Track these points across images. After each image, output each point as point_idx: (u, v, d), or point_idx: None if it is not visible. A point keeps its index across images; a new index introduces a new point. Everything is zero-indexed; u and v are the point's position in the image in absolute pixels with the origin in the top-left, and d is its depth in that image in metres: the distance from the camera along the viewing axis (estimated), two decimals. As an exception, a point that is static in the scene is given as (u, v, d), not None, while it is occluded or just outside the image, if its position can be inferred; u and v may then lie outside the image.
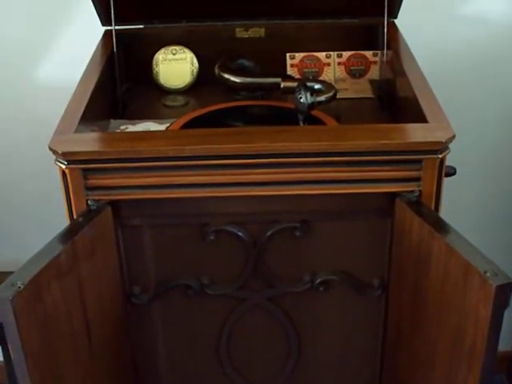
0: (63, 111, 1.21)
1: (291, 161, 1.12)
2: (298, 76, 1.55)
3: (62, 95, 1.29)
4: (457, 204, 1.88)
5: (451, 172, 1.22)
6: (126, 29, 1.52)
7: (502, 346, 1.10)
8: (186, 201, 1.17)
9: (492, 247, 1.39)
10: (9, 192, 1.93)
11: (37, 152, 1.35)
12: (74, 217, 1.15)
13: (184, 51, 1.55)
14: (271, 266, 1.26)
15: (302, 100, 1.27)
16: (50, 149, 1.10)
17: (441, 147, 1.11)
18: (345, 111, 1.43)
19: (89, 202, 1.15)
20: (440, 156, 1.11)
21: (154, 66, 1.55)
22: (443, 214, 1.16)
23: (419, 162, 1.12)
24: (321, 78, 1.54)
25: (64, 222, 1.15)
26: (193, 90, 1.57)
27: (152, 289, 1.28)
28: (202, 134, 1.15)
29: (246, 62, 1.54)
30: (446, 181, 1.16)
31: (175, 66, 1.55)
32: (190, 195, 1.15)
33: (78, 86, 1.30)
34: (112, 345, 1.25)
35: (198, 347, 1.36)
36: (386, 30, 1.45)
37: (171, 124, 1.35)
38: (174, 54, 1.55)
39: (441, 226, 1.08)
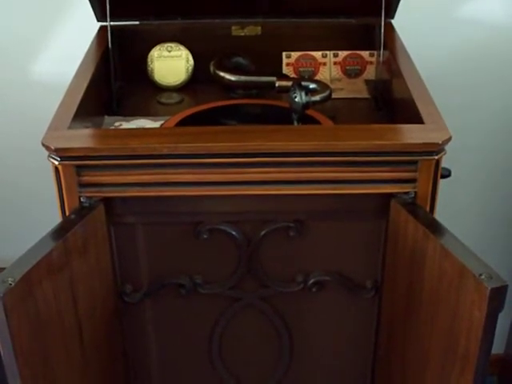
0: (57, 107, 1.20)
1: (285, 160, 1.11)
2: (293, 75, 1.55)
3: (56, 90, 1.28)
4: (452, 206, 1.88)
5: (446, 174, 1.21)
6: (122, 25, 1.51)
7: (495, 349, 1.09)
8: (179, 199, 1.17)
9: (487, 250, 1.39)
10: (3, 188, 1.92)
11: (31, 148, 1.34)
12: (67, 214, 1.14)
13: (179, 48, 1.55)
14: (264, 266, 1.26)
15: (296, 99, 1.27)
16: (43, 145, 1.10)
17: (437, 149, 1.10)
18: (340, 111, 1.43)
19: (81, 198, 1.14)
20: (436, 157, 1.11)
21: (149, 63, 1.54)
22: (438, 216, 1.16)
23: (415, 163, 1.12)
24: (316, 78, 1.54)
25: (58, 219, 1.14)
26: (188, 87, 1.56)
27: (144, 287, 1.27)
28: (196, 132, 1.14)
29: (242, 60, 1.53)
30: (441, 183, 1.16)
31: (170, 63, 1.54)
32: (183, 193, 1.15)
33: (72, 82, 1.29)
34: (103, 343, 1.24)
35: (190, 346, 1.36)
36: (382, 30, 1.45)
37: (165, 121, 1.35)
38: (169, 51, 1.54)
39: (436, 228, 1.08)
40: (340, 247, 1.24)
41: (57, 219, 1.14)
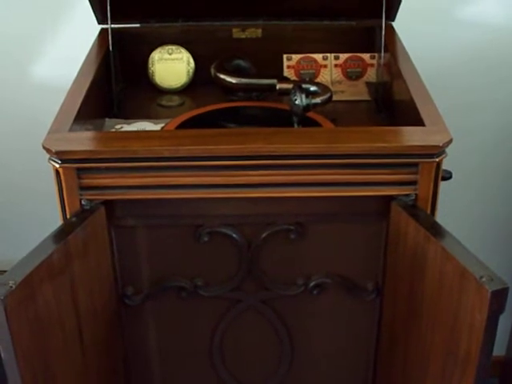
0: (58, 109, 1.20)
1: (286, 163, 1.11)
2: (294, 77, 1.55)
3: (57, 93, 1.28)
4: (453, 208, 1.88)
5: (447, 176, 1.21)
6: (122, 27, 1.52)
7: (496, 351, 1.09)
8: (180, 202, 1.16)
9: (488, 252, 1.39)
10: (3, 190, 1.92)
11: (32, 150, 1.34)
12: (68, 216, 1.14)
13: (180, 51, 1.55)
14: (265, 269, 1.25)
15: (297, 102, 1.27)
16: (44, 147, 1.10)
17: (437, 151, 1.10)
18: (341, 114, 1.43)
19: (82, 201, 1.14)
20: (437, 160, 1.11)
21: (150, 66, 1.54)
22: (439, 218, 1.16)
23: (415, 165, 1.12)
24: (317, 80, 1.54)
25: (59, 222, 1.14)
26: (188, 90, 1.56)
27: (145, 290, 1.27)
28: (197, 135, 1.14)
29: (243, 63, 1.53)
30: (442, 185, 1.15)
31: (171, 66, 1.54)
32: (184, 196, 1.14)
33: (72, 85, 1.29)
34: (104, 345, 1.24)
35: (191, 349, 1.36)
36: (383, 32, 1.45)
37: (166, 124, 1.34)
38: (170, 54, 1.54)
39: (437, 230, 1.08)
40: (341, 250, 1.24)
41: (58, 222, 1.14)
